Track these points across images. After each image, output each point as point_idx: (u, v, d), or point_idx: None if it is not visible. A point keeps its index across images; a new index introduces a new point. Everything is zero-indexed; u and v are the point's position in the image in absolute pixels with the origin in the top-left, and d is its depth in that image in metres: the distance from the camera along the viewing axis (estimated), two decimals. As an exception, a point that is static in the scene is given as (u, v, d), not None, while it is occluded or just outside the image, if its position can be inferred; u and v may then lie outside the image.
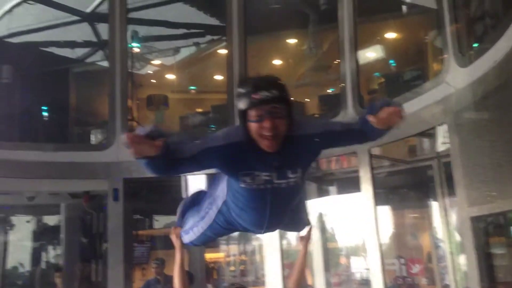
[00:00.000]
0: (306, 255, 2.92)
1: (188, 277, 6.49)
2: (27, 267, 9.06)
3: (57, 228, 8.26)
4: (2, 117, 5.82)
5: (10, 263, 8.78)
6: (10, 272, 8.81)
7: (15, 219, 8.63)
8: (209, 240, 2.82)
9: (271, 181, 2.12)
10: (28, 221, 8.78)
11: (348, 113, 5.28)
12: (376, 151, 5.31)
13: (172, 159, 2.07)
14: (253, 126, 1.97)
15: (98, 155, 5.90)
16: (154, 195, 7.33)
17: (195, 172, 5.62)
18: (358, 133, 2.11)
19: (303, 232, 2.98)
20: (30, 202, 6.84)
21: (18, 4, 7.77)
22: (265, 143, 1.98)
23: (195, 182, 6.64)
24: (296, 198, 2.38)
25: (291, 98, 2.02)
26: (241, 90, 2.01)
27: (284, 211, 2.36)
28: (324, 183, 6.80)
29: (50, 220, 8.93)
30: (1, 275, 8.26)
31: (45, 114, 7.66)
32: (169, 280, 6.95)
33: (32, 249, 9.03)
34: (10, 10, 7.71)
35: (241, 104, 1.98)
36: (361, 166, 5.00)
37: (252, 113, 1.95)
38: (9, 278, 8.69)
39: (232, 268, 8.74)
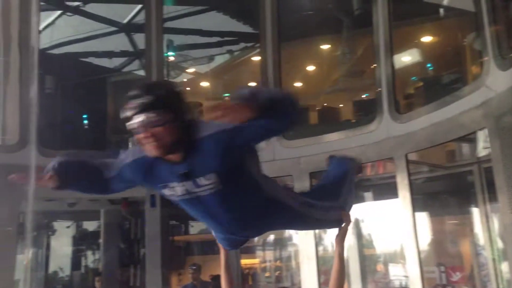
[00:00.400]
0: (341, 256, 2.57)
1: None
2: (67, 271, 9.29)
3: (97, 233, 8.45)
4: (45, 126, 6.00)
5: (51, 267, 9.03)
6: (51, 277, 9.06)
7: (57, 225, 8.87)
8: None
9: (189, 191, 1.97)
10: (68, 227, 9.01)
11: (384, 118, 5.22)
12: (413, 156, 5.23)
13: (100, 180, 2.08)
14: (138, 138, 1.87)
15: (136, 162, 6.00)
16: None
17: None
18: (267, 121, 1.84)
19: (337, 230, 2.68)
20: (71, 208, 7.03)
21: (59, 17, 8.04)
22: (153, 152, 1.87)
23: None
24: (250, 198, 2.07)
25: (176, 102, 1.86)
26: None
27: (247, 213, 2.12)
28: (360, 189, 6.73)
29: (90, 225, 9.15)
30: (44, 280, 8.49)
31: (85, 122, 7.87)
32: (205, 286, 7.03)
33: (72, 254, 9.26)
34: (52, 23, 7.98)
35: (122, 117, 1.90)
36: (398, 172, 4.93)
37: (129, 125, 1.86)
38: (50, 282, 8.92)
39: (267, 274, 8.74)
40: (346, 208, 2.66)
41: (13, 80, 5.84)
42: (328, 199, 2.53)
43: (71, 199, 6.86)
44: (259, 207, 2.12)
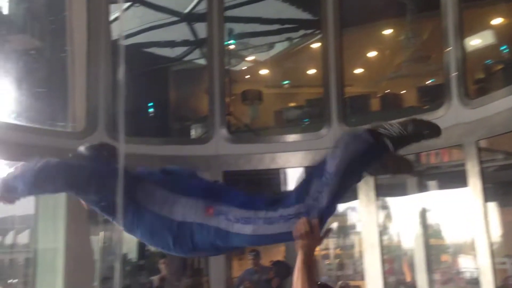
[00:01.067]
0: (302, 265, 2.13)
1: (286, 268, 6.57)
2: (133, 254, 9.64)
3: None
4: (113, 114, 6.21)
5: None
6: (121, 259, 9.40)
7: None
8: None
9: None
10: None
11: (453, 104, 5.03)
12: (484, 143, 5.01)
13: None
14: None
15: (198, 149, 6.12)
16: (252, 188, 7.48)
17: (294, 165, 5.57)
18: None
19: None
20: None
21: (127, 8, 8.28)
22: None
23: (294, 175, 6.71)
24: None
25: None
26: None
27: None
28: (426, 177, 6.55)
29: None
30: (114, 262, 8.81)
31: (150, 110, 8.10)
32: (265, 271, 7.11)
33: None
34: (121, 14, 8.21)
35: None
36: (468, 159, 4.74)
37: None
38: (120, 264, 9.26)
39: (328, 261, 8.71)
40: (313, 213, 2.20)
41: (81, 69, 6.08)
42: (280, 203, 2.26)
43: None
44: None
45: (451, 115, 4.95)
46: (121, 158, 2.52)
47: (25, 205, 6.70)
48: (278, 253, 8.93)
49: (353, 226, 8.47)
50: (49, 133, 5.52)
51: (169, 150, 6.04)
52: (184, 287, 7.53)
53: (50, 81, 6.56)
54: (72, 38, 6.05)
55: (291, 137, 6.08)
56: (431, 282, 6.66)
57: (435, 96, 5.90)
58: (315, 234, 2.17)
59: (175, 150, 6.10)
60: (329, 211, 2.23)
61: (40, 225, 6.21)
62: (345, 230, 8.75)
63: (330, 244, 9.09)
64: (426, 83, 7.75)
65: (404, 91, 8.00)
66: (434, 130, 2.19)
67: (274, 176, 6.98)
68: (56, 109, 6.20)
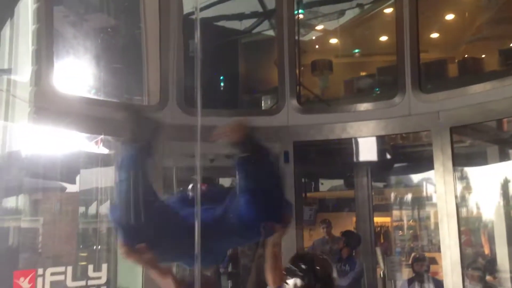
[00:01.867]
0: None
1: (356, 238, 6.54)
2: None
3: (232, 189, 8.87)
4: (190, 88, 6.35)
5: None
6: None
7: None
8: None
9: None
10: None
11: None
12: None
13: None
14: None
15: (269, 120, 6.15)
16: (322, 158, 7.45)
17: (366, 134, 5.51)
18: None
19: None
20: (211, 163, 7.45)
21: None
22: None
23: (365, 144, 6.59)
24: None
25: None
26: None
27: None
28: (508, 145, 6.19)
29: (225, 182, 9.66)
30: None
31: (221, 83, 8.22)
32: (335, 241, 7.12)
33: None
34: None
35: None
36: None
37: None
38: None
39: (401, 233, 8.55)
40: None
41: (154, 45, 6.25)
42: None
43: (211, 155, 7.27)
44: None
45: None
46: (198, 132, 2.65)
47: (107, 178, 7.09)
48: (347, 224, 8.91)
49: (429, 198, 8.23)
50: (126, 107, 5.74)
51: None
52: (257, 256, 7.71)
53: (125, 57, 6.81)
54: (145, 15, 6.22)
55: (363, 106, 5.95)
56: (511, 256, 6.36)
57: (519, 59, 5.52)
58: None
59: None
60: None
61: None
62: (420, 201, 8.53)
63: (403, 215, 8.91)
64: (510, 45, 7.26)
65: (485, 55, 7.54)
66: None
67: (345, 145, 6.89)
68: (132, 84, 6.45)
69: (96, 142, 7.08)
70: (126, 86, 6.47)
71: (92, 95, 5.80)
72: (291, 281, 2.67)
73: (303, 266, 2.64)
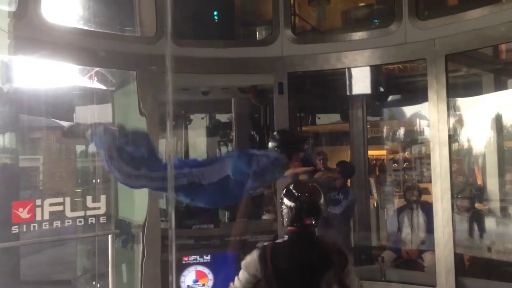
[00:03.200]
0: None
1: (350, 168, 6.63)
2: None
3: (229, 124, 8.93)
4: (182, 19, 6.21)
5: (190, 155, 9.87)
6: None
7: (192, 116, 9.52)
8: None
9: None
10: (202, 118, 9.63)
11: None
12: None
13: None
14: None
15: (263, 50, 6.06)
16: (317, 90, 7.42)
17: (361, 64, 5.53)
18: None
19: None
20: (204, 97, 7.44)
21: None
22: None
23: (360, 74, 6.54)
24: None
25: None
26: None
27: None
28: (504, 74, 6.14)
29: (222, 117, 9.69)
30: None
31: (215, 15, 8.02)
32: (330, 171, 7.25)
33: (208, 143, 9.98)
34: None
35: None
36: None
37: None
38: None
39: (395, 165, 8.68)
40: None
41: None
42: None
43: (205, 88, 7.25)
44: None
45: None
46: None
47: (105, 115, 7.09)
48: (344, 157, 9.01)
49: (423, 130, 8.28)
50: (117, 38, 5.65)
51: (235, 53, 6.04)
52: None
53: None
54: None
55: (358, 35, 5.85)
56: (501, 185, 6.49)
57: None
58: None
59: (240, 52, 6.08)
60: None
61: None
62: (413, 134, 8.59)
63: (397, 148, 9.00)
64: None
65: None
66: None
67: (340, 77, 6.84)
68: (124, 14, 6.29)
69: (90, 77, 7.02)
70: (118, 17, 6.31)
71: (82, 26, 5.67)
72: (285, 202, 2.92)
73: (295, 192, 2.86)
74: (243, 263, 2.96)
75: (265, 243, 2.99)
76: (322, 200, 2.91)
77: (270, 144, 3.10)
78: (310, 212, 2.85)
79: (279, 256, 2.86)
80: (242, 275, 2.95)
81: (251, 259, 2.91)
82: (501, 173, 6.67)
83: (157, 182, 3.12)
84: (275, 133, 3.19)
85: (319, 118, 9.61)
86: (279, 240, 3.04)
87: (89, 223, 5.56)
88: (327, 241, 3.06)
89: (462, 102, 6.79)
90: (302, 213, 2.84)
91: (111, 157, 3.10)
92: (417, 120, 8.48)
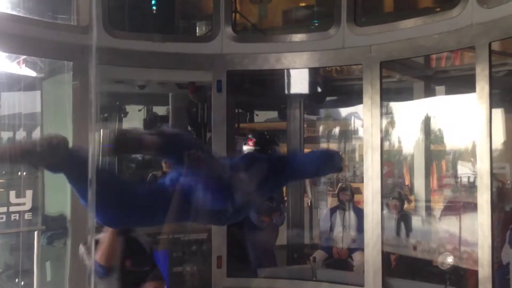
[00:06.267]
0: None
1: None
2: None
3: (166, 117, 8.74)
4: (115, 8, 6.00)
5: (125, 148, 9.57)
6: (124, 156, 9.63)
7: (129, 108, 9.24)
8: None
9: None
10: (140, 110, 9.37)
11: (469, 4, 4.76)
12: (496, 46, 4.84)
13: None
14: None
15: (202, 47, 5.98)
16: (256, 88, 7.42)
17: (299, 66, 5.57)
18: None
19: None
20: (141, 90, 7.24)
21: None
22: None
23: (298, 75, 6.61)
24: None
25: None
26: None
27: None
28: (434, 81, 6.42)
29: (159, 110, 9.48)
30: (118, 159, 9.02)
31: (153, 6, 7.81)
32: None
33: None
34: None
35: None
36: (479, 62, 4.59)
37: None
38: (124, 161, 9.51)
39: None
40: None
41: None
42: None
43: (141, 81, 7.05)
44: None
45: (466, 14, 4.70)
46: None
47: (31, 103, 6.74)
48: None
49: (356, 131, 8.51)
50: (50, 25, 5.37)
51: (173, 48, 5.91)
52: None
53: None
54: None
55: (298, 37, 5.90)
56: (427, 186, 6.80)
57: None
58: None
59: (179, 47, 5.96)
60: None
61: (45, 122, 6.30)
62: (347, 134, 8.81)
63: (332, 147, 9.21)
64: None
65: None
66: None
67: (280, 77, 6.89)
68: (61, 1, 6.00)
69: (18, 63, 6.64)
70: (52, 3, 5.99)
71: (10, 11, 5.34)
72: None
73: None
74: None
75: None
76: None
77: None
78: None
79: None
80: None
81: None
82: (428, 175, 6.99)
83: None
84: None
85: (257, 115, 9.64)
86: None
87: (12, 219, 5.29)
88: None
89: (394, 107, 7.04)
90: None
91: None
92: (352, 120, 8.70)
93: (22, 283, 6.12)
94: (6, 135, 7.83)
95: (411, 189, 7.21)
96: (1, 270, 7.24)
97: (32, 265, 5.24)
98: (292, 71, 6.64)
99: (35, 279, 5.19)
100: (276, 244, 6.79)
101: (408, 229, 6.37)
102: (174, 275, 5.69)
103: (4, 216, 5.06)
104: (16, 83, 6.64)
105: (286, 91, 7.08)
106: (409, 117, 7.09)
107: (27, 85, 6.68)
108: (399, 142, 7.40)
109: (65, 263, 5.47)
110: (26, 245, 5.84)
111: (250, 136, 5.91)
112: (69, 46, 5.28)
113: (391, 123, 7.19)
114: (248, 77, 6.94)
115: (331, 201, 7.72)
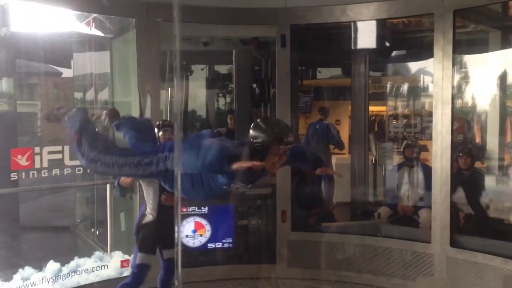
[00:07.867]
0: None
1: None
2: (203, 111, 10.05)
3: (228, 76, 8.81)
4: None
5: (190, 106, 9.82)
6: (190, 115, 9.89)
7: (193, 67, 9.39)
8: None
9: None
10: (202, 69, 9.50)
11: None
12: None
13: None
14: None
15: (266, 1, 5.88)
16: (320, 43, 7.28)
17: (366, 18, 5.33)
18: None
19: None
20: (205, 47, 7.29)
21: None
22: None
23: (365, 28, 6.38)
24: None
25: None
26: None
27: None
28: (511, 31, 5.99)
29: (222, 68, 9.56)
30: (183, 118, 9.26)
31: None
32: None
33: (207, 95, 9.90)
34: None
35: None
36: None
37: None
38: (189, 119, 9.76)
39: (395, 121, 8.64)
40: None
41: None
42: None
43: (206, 38, 7.09)
44: None
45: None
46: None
47: (103, 64, 6.95)
48: (343, 112, 8.99)
49: (425, 88, 8.20)
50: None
51: (238, 2, 5.85)
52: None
53: None
54: None
55: (365, -13, 5.67)
56: (501, 145, 6.48)
57: None
58: None
59: (243, 2, 5.89)
60: None
61: (116, 81, 6.50)
62: (416, 91, 8.52)
63: (398, 104, 8.94)
64: None
65: None
66: None
67: (344, 31, 6.69)
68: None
69: (88, 23, 6.85)
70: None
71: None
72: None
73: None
74: None
75: None
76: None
77: (253, 133, 2.82)
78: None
79: None
80: None
81: None
82: (502, 132, 6.65)
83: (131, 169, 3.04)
84: (259, 120, 2.90)
85: (319, 72, 9.49)
86: None
87: (88, 171, 5.55)
88: None
89: (467, 59, 6.68)
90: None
91: (80, 142, 3.03)
92: (421, 76, 8.37)
93: (97, 232, 6.52)
94: (77, 94, 8.21)
95: (483, 147, 6.90)
96: (79, 220, 7.75)
97: (106, 216, 5.52)
98: (358, 24, 6.43)
99: (108, 229, 5.48)
100: (338, 201, 6.77)
101: (480, 187, 6.12)
102: (239, 228, 5.83)
103: (81, 168, 5.31)
104: (87, 43, 6.88)
105: (351, 46, 6.89)
106: (483, 71, 6.72)
107: (96, 45, 6.89)
108: (472, 97, 7.05)
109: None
110: (100, 197, 6.17)
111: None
112: (134, 3, 5.37)
113: (464, 77, 6.85)
114: (312, 31, 6.79)
115: (396, 159, 7.56)
